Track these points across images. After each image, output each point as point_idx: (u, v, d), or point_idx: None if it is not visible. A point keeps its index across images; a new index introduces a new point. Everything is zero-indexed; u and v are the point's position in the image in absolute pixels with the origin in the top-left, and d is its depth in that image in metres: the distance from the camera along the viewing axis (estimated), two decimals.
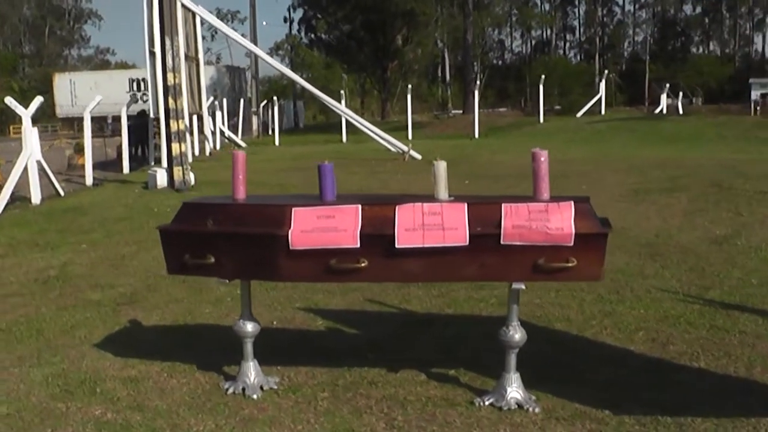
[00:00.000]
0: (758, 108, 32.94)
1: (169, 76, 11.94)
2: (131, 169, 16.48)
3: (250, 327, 3.72)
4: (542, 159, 3.42)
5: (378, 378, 3.94)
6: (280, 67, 20.77)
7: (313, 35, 53.16)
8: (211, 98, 22.92)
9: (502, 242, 3.31)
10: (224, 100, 27.20)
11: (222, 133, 24.68)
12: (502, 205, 3.36)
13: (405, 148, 17.06)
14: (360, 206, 3.37)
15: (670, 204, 9.88)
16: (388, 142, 18.00)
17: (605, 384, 3.85)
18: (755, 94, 36.12)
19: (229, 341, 4.61)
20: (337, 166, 12.54)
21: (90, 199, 11.79)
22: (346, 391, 3.77)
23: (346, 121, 25.08)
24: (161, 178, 12.31)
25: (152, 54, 13.62)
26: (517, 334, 3.55)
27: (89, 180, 13.70)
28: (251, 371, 3.76)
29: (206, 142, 20.46)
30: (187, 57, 14.66)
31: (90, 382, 3.99)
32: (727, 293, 5.56)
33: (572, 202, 3.37)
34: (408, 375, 3.99)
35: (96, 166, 15.05)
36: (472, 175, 13.67)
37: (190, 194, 11.75)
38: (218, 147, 22.95)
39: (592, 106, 31.38)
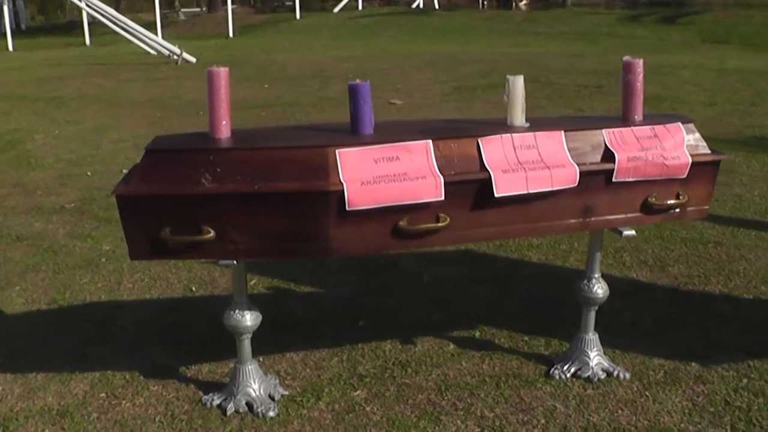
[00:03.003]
0: (485, 3, 33.88)
1: None
2: None
3: (249, 318, 2.65)
4: (638, 70, 2.66)
5: (404, 357, 3.07)
6: None
7: None
8: None
9: (614, 179, 2.54)
10: None
11: None
12: (604, 131, 2.57)
13: (177, 51, 15.31)
14: (431, 142, 2.40)
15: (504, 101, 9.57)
16: (155, 44, 16.10)
17: (655, 328, 3.31)
18: None
19: (149, 322, 3.48)
20: (100, 73, 10.88)
21: None
22: (383, 384, 2.87)
23: (89, 21, 22.29)
24: None
25: None
26: (600, 288, 2.85)
27: None
28: (253, 378, 2.72)
29: None
30: None
31: None
32: None
33: (680, 123, 2.67)
34: (434, 346, 3.16)
35: None
36: (264, 78, 12.56)
37: None
38: None
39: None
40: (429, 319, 3.43)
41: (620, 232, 2.65)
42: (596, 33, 18.51)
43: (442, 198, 2.35)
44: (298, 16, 27.72)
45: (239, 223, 2.35)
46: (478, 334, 3.28)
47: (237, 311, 2.64)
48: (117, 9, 38.41)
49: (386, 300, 3.65)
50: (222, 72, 2.49)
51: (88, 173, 6.35)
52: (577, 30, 19.17)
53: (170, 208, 2.35)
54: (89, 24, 22.56)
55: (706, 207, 2.74)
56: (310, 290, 3.79)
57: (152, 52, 16.85)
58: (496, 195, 2.39)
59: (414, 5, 27.71)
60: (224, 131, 2.49)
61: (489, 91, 10.26)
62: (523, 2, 31.94)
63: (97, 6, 17.67)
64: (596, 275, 2.85)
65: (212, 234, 2.35)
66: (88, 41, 22.71)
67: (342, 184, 2.28)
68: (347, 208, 2.29)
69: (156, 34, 19.82)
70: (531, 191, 2.42)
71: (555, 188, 2.45)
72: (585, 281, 2.85)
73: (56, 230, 4.89)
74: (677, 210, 2.68)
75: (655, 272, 3.91)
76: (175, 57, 15.48)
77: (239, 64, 14.79)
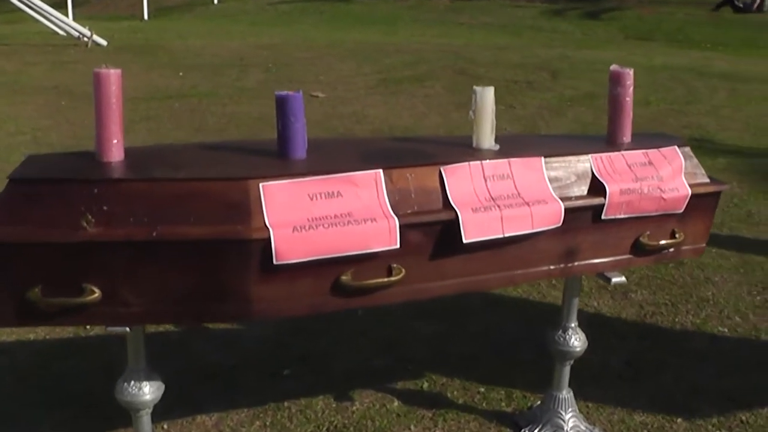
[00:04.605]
0: None
1: None
2: None
3: (148, 391, 2.08)
4: (628, 83, 2.20)
5: (340, 420, 2.56)
6: None
7: None
8: None
9: (603, 217, 2.08)
10: None
11: None
12: (591, 157, 2.11)
13: (87, 33, 14.33)
14: (381, 172, 1.88)
15: (431, 95, 9.15)
16: (63, 24, 15.05)
17: (628, 371, 2.90)
18: None
19: (30, 372, 2.87)
20: (2, 54, 9.89)
21: None
22: None
23: None
24: None
25: None
26: (578, 340, 2.40)
27: None
28: None
29: None
30: None
31: None
32: None
33: (676, 147, 2.23)
34: (375, 403, 2.68)
35: None
36: (178, 66, 11.80)
37: None
38: None
39: None
40: (368, 366, 2.93)
41: (608, 279, 2.19)
42: (520, 26, 18.25)
43: (397, 246, 1.84)
44: (215, 0, 26.77)
45: (133, 280, 1.79)
46: (426, 385, 2.79)
47: (132, 383, 2.06)
48: None
49: (316, 341, 3.12)
50: (113, 75, 1.92)
51: None
52: (501, 22, 18.88)
53: (40, 261, 1.76)
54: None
55: (703, 245, 2.32)
56: (227, 328, 3.22)
57: (61, 33, 15.75)
58: (464, 241, 1.89)
59: None
60: (115, 153, 1.92)
61: (416, 84, 9.80)
62: None
63: None
64: (573, 324, 2.39)
65: (97, 294, 1.78)
66: None
67: (267, 229, 1.74)
68: (275, 262, 1.75)
69: (66, 14, 18.68)
70: (507, 235, 1.93)
71: (536, 230, 1.97)
72: (560, 332, 2.39)
73: None
74: (671, 250, 2.24)
75: (617, 300, 3.50)
76: (85, 39, 14.50)
77: (153, 49, 13.96)
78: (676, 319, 3.31)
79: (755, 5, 18.32)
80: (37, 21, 16.12)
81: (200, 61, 12.43)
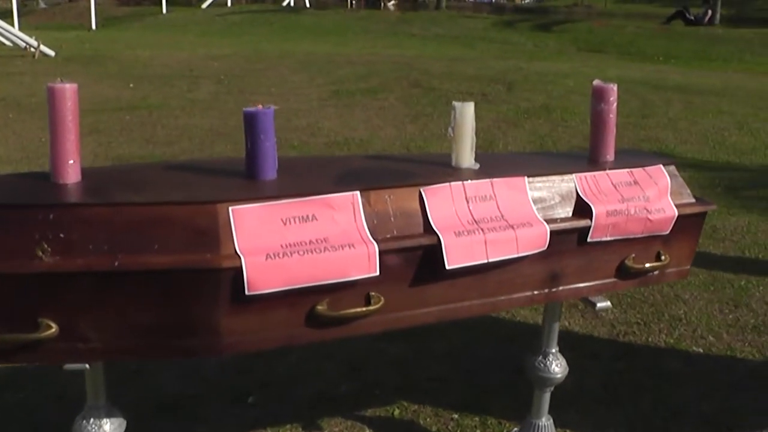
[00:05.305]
0: (354, 2, 33.14)
1: None
2: None
3: (109, 429, 1.93)
4: (612, 99, 2.13)
5: None
6: None
7: None
8: None
9: (589, 239, 1.99)
10: None
11: None
12: (575, 176, 2.03)
13: (34, 43, 13.97)
14: (358, 193, 1.77)
15: (385, 107, 9.07)
16: (10, 34, 14.65)
17: (605, 394, 2.82)
18: None
19: None
20: None
21: None
22: None
23: None
24: None
25: None
26: (558, 366, 2.31)
27: None
28: None
29: None
30: None
31: None
32: None
33: (661, 166, 2.16)
34: (341, 429, 2.60)
35: None
36: (128, 76, 11.54)
37: None
38: None
39: None
40: (335, 391, 2.81)
41: (593, 304, 2.11)
42: (472, 37, 18.35)
43: (377, 273, 1.72)
44: (164, 10, 26.44)
45: (93, 314, 1.64)
46: (397, 411, 2.68)
47: (92, 420, 1.91)
48: None
49: (280, 364, 2.99)
50: (68, 90, 1.77)
51: None
52: (453, 33, 18.95)
53: None
54: None
55: (688, 267, 2.25)
56: None
57: (7, 43, 15.35)
58: (447, 267, 1.78)
59: (285, 2, 26.87)
60: (71, 175, 1.77)
61: (369, 96, 9.72)
62: (392, 2, 31.68)
63: None
64: (553, 350, 2.30)
65: (54, 329, 1.63)
66: None
67: (239, 257, 1.61)
68: (246, 293, 1.62)
69: (12, 23, 18.22)
70: (492, 260, 1.83)
71: (521, 254, 1.87)
72: (540, 358, 2.30)
73: None
74: (656, 272, 2.17)
75: (588, 319, 3.44)
76: (32, 50, 14.14)
77: (102, 60, 13.65)
78: (650, 339, 3.26)
79: (706, 18, 18.71)
80: None
81: (150, 72, 12.18)
